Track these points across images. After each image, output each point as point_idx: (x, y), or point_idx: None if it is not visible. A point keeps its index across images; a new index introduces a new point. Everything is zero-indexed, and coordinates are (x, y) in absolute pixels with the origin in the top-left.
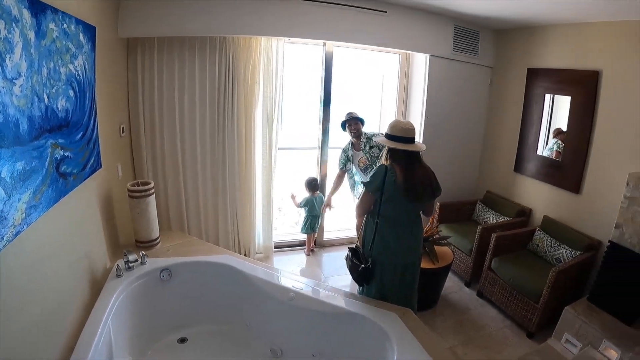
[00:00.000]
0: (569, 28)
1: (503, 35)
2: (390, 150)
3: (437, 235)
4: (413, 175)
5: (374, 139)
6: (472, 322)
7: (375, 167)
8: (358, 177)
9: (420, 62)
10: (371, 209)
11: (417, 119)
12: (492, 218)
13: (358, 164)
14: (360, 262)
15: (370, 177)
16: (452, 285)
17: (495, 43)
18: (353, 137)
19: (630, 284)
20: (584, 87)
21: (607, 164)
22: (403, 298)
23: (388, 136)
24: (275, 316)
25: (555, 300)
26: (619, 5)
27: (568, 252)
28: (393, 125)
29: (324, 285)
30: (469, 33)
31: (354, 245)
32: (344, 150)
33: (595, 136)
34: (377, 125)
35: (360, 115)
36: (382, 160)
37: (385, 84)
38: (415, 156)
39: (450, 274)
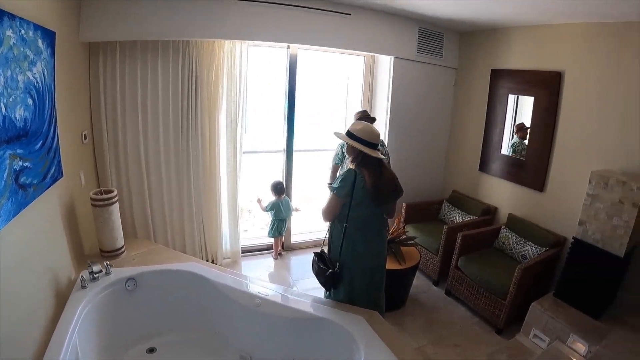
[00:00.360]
0: (531, 30)
1: (467, 37)
2: (364, 155)
3: (403, 236)
4: (381, 180)
5: (336, 136)
6: (441, 321)
7: (343, 171)
8: None
9: (385, 64)
10: (338, 214)
11: (382, 121)
12: (458, 217)
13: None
14: (327, 267)
15: (340, 182)
16: (420, 284)
17: (459, 45)
18: None
19: (594, 278)
20: (547, 87)
21: (570, 162)
22: (372, 300)
23: (359, 140)
24: (244, 323)
25: (522, 296)
26: (579, 7)
27: (533, 248)
28: (364, 130)
29: (291, 290)
30: (434, 35)
31: (319, 250)
32: (342, 145)
33: (558, 135)
34: (342, 127)
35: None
36: (349, 165)
37: (350, 85)
38: (381, 161)
39: (418, 274)
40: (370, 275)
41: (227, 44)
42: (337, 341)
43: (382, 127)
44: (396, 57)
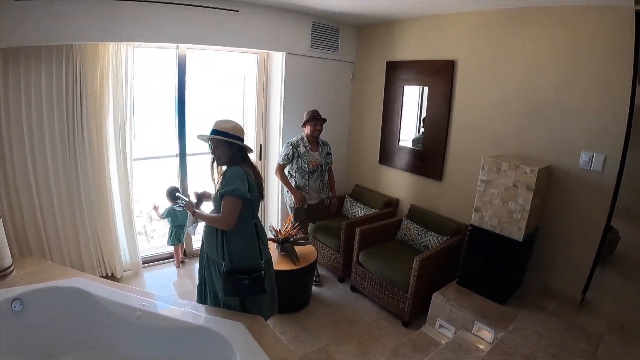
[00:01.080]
0: (425, 21)
1: (364, 30)
2: (243, 151)
3: (302, 234)
4: (257, 171)
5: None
6: (346, 318)
7: (229, 172)
8: (295, 178)
9: (278, 60)
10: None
11: (276, 118)
12: (360, 211)
13: (307, 165)
14: (253, 273)
15: (235, 181)
16: (326, 282)
17: (357, 38)
18: (314, 136)
19: (496, 264)
20: (440, 77)
21: (465, 150)
22: (272, 290)
23: (238, 138)
24: (131, 337)
25: (427, 287)
26: None
27: (435, 238)
28: (237, 127)
29: (173, 300)
30: (328, 29)
31: (224, 269)
32: (294, 145)
33: (453, 124)
34: (240, 124)
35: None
36: (220, 161)
37: (246, 84)
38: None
39: (324, 271)
40: (270, 264)
41: (111, 46)
42: (215, 350)
43: (276, 123)
44: (288, 53)
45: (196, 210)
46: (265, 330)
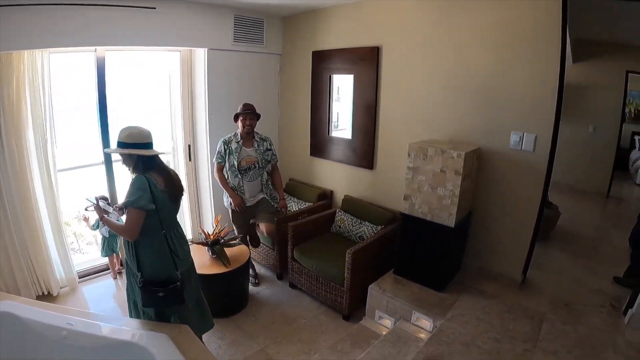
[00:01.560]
0: (349, 8)
1: (289, 21)
2: (145, 159)
3: (231, 236)
4: (171, 178)
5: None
6: (285, 316)
7: (131, 182)
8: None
9: (201, 57)
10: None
11: (202, 117)
12: (294, 206)
13: (240, 162)
14: (169, 285)
15: (135, 191)
16: (264, 281)
17: (282, 30)
18: (245, 132)
19: (430, 252)
20: (366, 64)
21: (393, 136)
22: (202, 298)
23: (135, 145)
24: (60, 357)
25: (364, 278)
26: None
27: (369, 228)
28: (132, 134)
29: (101, 316)
30: (252, 22)
31: (140, 279)
32: (226, 142)
33: (381, 111)
34: (169, 125)
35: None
36: (131, 171)
37: (172, 83)
38: (161, 160)
39: (263, 269)
40: (194, 269)
41: (26, 54)
42: None
43: (202, 122)
44: (210, 49)
45: (104, 215)
46: (190, 340)
